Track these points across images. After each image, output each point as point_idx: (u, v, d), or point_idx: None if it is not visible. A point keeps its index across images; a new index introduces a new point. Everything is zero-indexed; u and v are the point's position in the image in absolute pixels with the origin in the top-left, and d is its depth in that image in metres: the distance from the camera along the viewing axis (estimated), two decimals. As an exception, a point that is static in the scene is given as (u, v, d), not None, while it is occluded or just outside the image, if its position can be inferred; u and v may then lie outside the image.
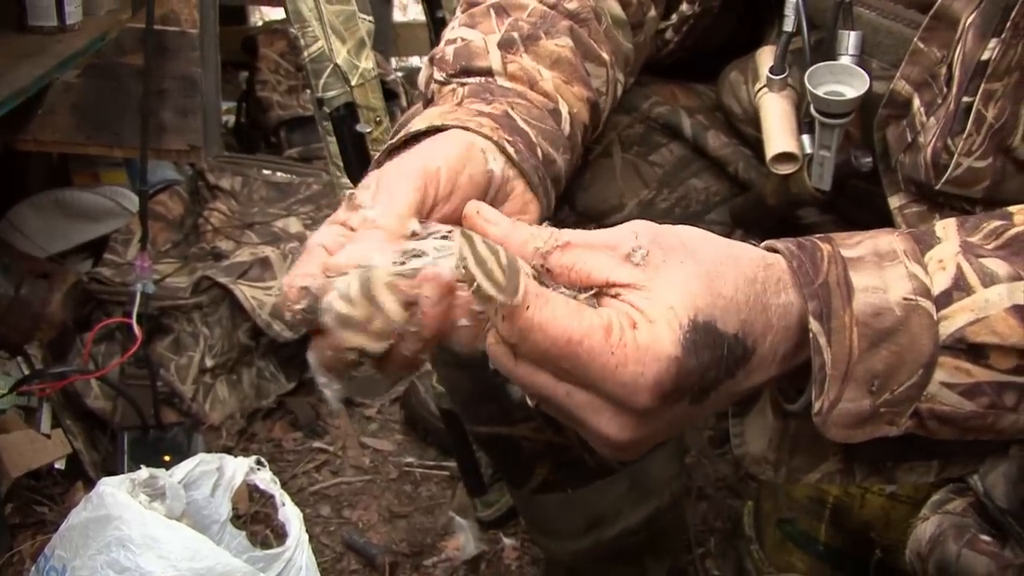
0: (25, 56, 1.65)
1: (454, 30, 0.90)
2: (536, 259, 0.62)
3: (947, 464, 0.71)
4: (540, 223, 0.81)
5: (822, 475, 0.71)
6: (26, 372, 1.70)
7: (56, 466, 1.67)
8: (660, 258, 0.61)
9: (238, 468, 1.25)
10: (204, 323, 1.95)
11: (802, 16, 0.94)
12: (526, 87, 0.85)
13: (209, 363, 1.93)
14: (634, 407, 0.59)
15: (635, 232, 0.62)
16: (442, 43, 0.90)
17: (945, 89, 0.83)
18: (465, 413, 1.27)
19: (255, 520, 1.67)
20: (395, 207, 0.68)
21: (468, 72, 0.86)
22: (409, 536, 1.73)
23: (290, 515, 1.21)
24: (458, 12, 0.94)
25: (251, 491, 1.61)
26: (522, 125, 0.81)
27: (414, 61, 3.85)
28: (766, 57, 1.02)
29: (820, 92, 0.89)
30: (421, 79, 0.91)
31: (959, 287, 0.61)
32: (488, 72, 0.86)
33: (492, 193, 0.77)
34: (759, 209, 1.06)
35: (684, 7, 1.04)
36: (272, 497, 1.25)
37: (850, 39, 0.91)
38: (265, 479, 1.26)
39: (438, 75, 0.88)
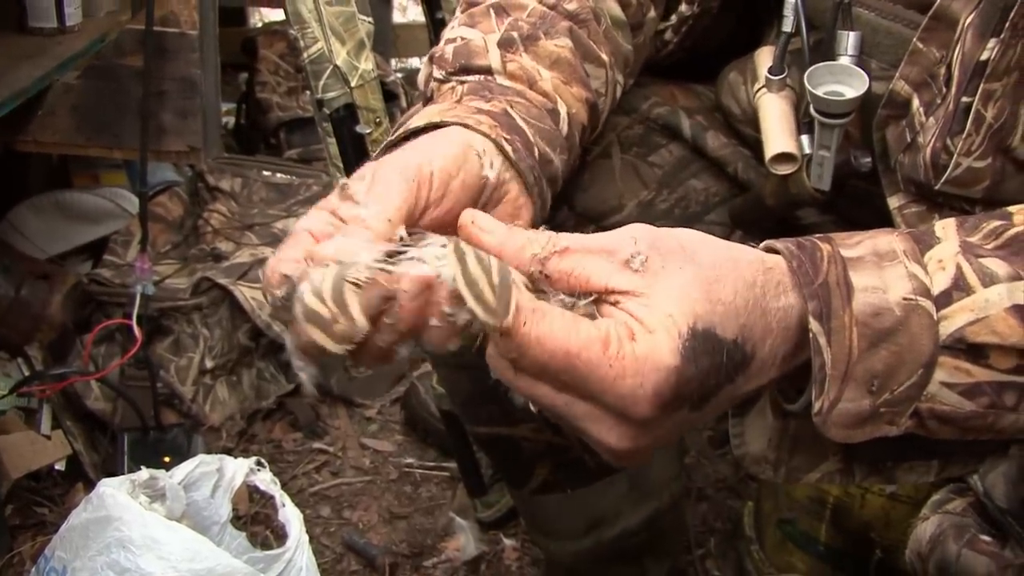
0: (25, 57, 1.65)
1: (454, 29, 0.90)
2: (534, 265, 0.62)
3: (947, 464, 0.71)
4: (535, 225, 0.81)
5: (822, 475, 0.71)
6: (26, 373, 1.70)
7: (56, 467, 1.67)
8: (659, 264, 0.60)
9: (238, 469, 1.25)
10: (204, 324, 1.95)
11: (801, 16, 0.94)
12: (525, 86, 0.85)
13: (209, 364, 1.93)
14: (634, 417, 0.59)
15: (633, 237, 0.62)
16: (442, 42, 0.90)
17: (944, 89, 0.83)
18: (465, 414, 1.27)
19: (255, 521, 1.67)
20: (387, 208, 0.68)
21: (467, 70, 0.86)
22: (409, 537, 1.73)
23: (290, 516, 1.21)
24: (458, 12, 0.94)
25: (251, 492, 1.61)
26: (520, 124, 0.81)
27: (414, 62, 3.84)
28: (765, 58, 1.02)
29: (820, 92, 0.89)
30: (421, 77, 0.92)
31: (959, 287, 0.61)
32: (487, 71, 0.86)
33: (485, 198, 0.77)
34: (758, 209, 1.06)
35: (683, 7, 1.04)
36: (272, 498, 1.25)
37: (849, 39, 0.91)
38: (265, 480, 1.26)
39: (437, 73, 0.88)
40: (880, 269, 0.62)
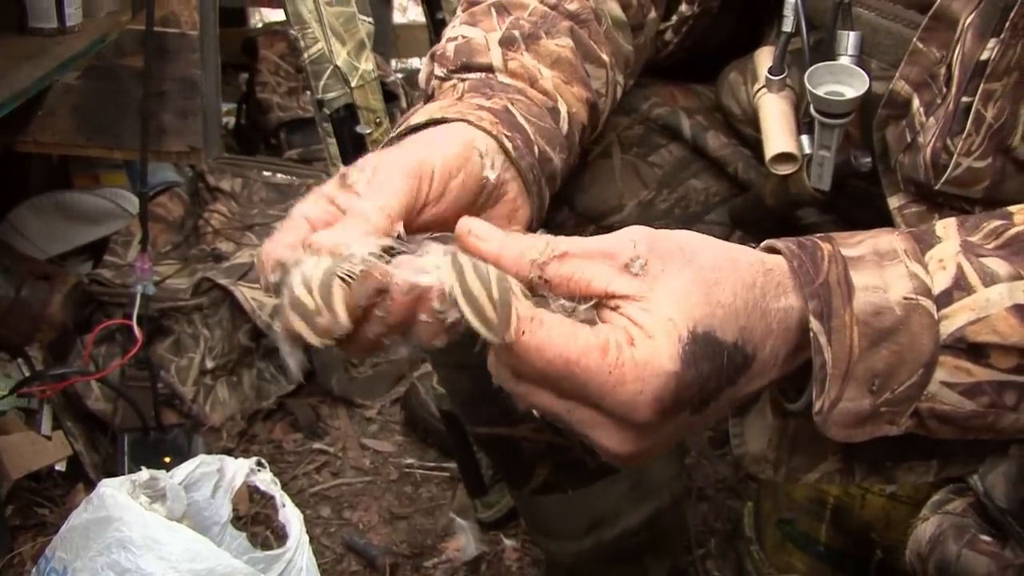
0: (25, 58, 1.65)
1: (455, 28, 0.90)
2: (533, 271, 0.61)
3: (947, 464, 0.71)
4: (532, 223, 0.81)
5: (822, 475, 0.71)
6: (27, 374, 1.70)
7: (57, 468, 1.67)
8: (659, 267, 0.60)
9: (239, 469, 1.25)
10: (204, 324, 1.95)
11: (801, 16, 0.94)
12: (526, 84, 0.85)
13: (209, 364, 1.93)
14: (635, 422, 0.59)
15: (633, 240, 0.61)
16: (443, 40, 0.90)
17: (944, 89, 0.83)
18: (465, 414, 1.27)
19: (255, 521, 1.66)
20: (386, 203, 0.68)
21: (469, 68, 0.86)
22: (410, 537, 1.73)
23: (290, 516, 1.21)
24: (459, 11, 0.94)
25: (251, 492, 1.61)
26: (521, 121, 0.81)
27: (414, 63, 3.85)
28: (765, 58, 1.02)
29: (820, 92, 0.89)
30: (422, 76, 0.92)
31: (960, 286, 0.61)
32: (489, 68, 0.86)
33: (484, 197, 0.77)
34: (758, 209, 1.06)
35: (683, 7, 1.04)
36: (272, 498, 1.25)
37: (849, 39, 0.91)
38: (265, 480, 1.26)
39: (439, 71, 0.88)
40: (881, 268, 0.62)
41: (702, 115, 1.12)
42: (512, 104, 0.81)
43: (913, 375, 0.61)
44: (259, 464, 1.26)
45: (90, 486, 1.63)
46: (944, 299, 0.61)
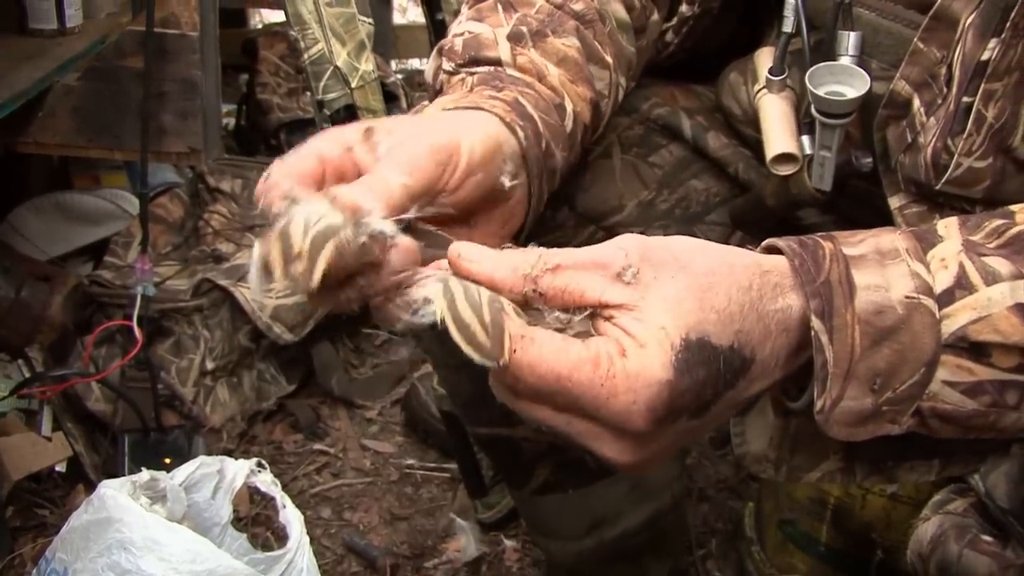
0: (25, 59, 1.65)
1: (461, 24, 0.90)
2: (527, 285, 0.61)
3: (948, 463, 0.71)
4: (526, 222, 0.81)
5: (823, 474, 0.71)
6: (27, 375, 1.70)
7: (57, 469, 1.67)
8: (651, 275, 0.60)
9: (239, 470, 1.25)
10: (205, 325, 1.95)
11: (801, 17, 0.94)
12: (535, 79, 0.86)
13: (210, 365, 1.93)
14: (632, 432, 0.60)
15: (624, 249, 0.61)
16: (449, 36, 0.90)
17: (945, 89, 0.83)
18: (466, 415, 1.27)
19: (256, 522, 1.66)
20: (409, 178, 0.67)
21: (477, 62, 0.86)
22: (410, 538, 1.73)
23: (291, 517, 1.21)
24: (463, 8, 0.94)
25: (252, 493, 1.61)
26: (532, 112, 0.81)
27: (414, 63, 3.85)
28: (765, 58, 1.02)
29: (821, 92, 0.89)
30: (428, 71, 0.91)
31: (961, 285, 0.61)
32: (497, 62, 0.86)
33: (491, 198, 0.77)
34: (759, 210, 1.06)
35: (684, 8, 1.04)
36: (273, 499, 1.26)
37: (850, 40, 0.91)
38: (266, 481, 1.26)
39: (447, 65, 0.88)
40: (882, 267, 0.62)
41: (702, 115, 1.12)
42: (521, 96, 0.82)
43: (915, 374, 0.61)
44: (259, 465, 1.26)
45: (90, 487, 1.63)
46: (946, 298, 0.61)
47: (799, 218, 1.07)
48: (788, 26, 0.96)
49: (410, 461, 1.93)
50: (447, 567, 1.67)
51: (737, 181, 1.11)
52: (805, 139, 0.96)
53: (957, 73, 0.81)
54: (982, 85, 0.78)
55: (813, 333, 0.60)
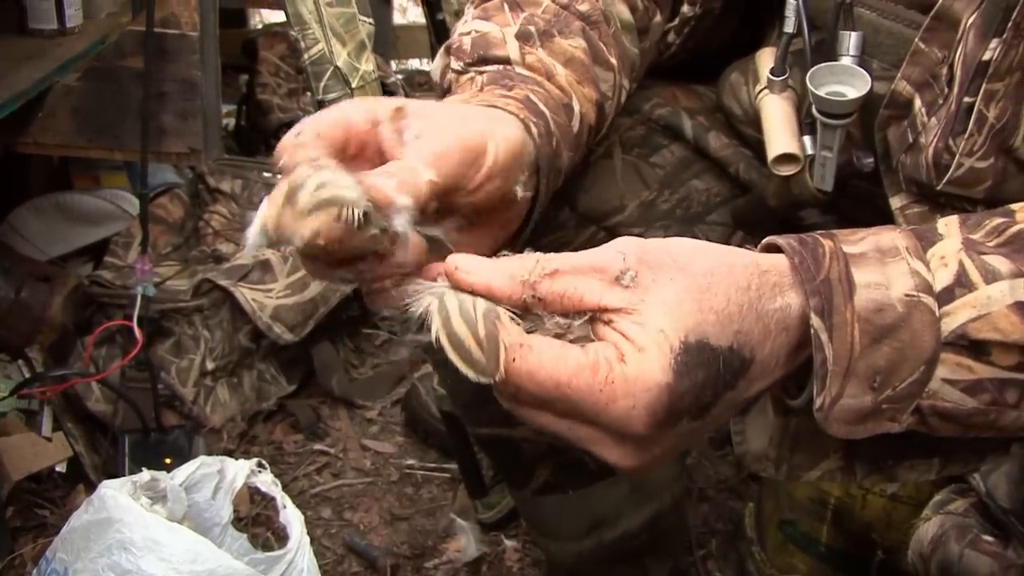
0: (25, 59, 1.65)
1: (467, 23, 0.90)
2: (526, 291, 0.61)
3: (948, 462, 0.71)
4: (528, 220, 0.81)
5: (823, 473, 0.71)
6: (27, 375, 1.70)
7: (57, 469, 1.67)
8: (649, 278, 0.60)
9: (239, 471, 1.26)
10: (205, 326, 1.95)
11: (803, 17, 0.94)
12: (544, 78, 0.86)
13: (210, 366, 1.93)
14: (633, 436, 0.60)
15: (622, 252, 0.61)
16: (455, 35, 0.90)
17: (946, 89, 0.83)
18: (466, 415, 1.27)
19: (256, 523, 1.66)
20: (436, 172, 0.68)
21: (486, 61, 0.86)
22: (410, 538, 1.73)
23: (291, 517, 1.21)
24: (469, 8, 0.94)
25: (252, 494, 1.61)
26: (543, 109, 0.81)
27: (414, 63, 3.85)
28: (766, 59, 1.02)
29: (822, 93, 0.89)
30: (435, 70, 0.91)
31: (961, 284, 0.61)
32: (506, 61, 0.86)
33: (499, 204, 0.77)
34: (760, 210, 1.06)
35: (685, 8, 1.04)
36: (273, 499, 1.26)
37: (851, 40, 0.91)
38: (266, 481, 1.26)
39: (455, 64, 0.88)
40: (883, 265, 0.62)
41: (704, 116, 1.12)
42: (532, 95, 0.82)
43: (914, 372, 0.61)
44: (260, 465, 1.26)
45: (91, 487, 1.63)
46: (945, 296, 0.61)
47: (800, 218, 1.07)
48: (789, 26, 0.96)
49: (410, 461, 1.93)
50: (447, 567, 1.67)
51: (738, 181, 1.11)
52: (806, 139, 0.96)
53: (958, 73, 0.81)
54: (983, 85, 0.78)
55: (813, 331, 0.60)
